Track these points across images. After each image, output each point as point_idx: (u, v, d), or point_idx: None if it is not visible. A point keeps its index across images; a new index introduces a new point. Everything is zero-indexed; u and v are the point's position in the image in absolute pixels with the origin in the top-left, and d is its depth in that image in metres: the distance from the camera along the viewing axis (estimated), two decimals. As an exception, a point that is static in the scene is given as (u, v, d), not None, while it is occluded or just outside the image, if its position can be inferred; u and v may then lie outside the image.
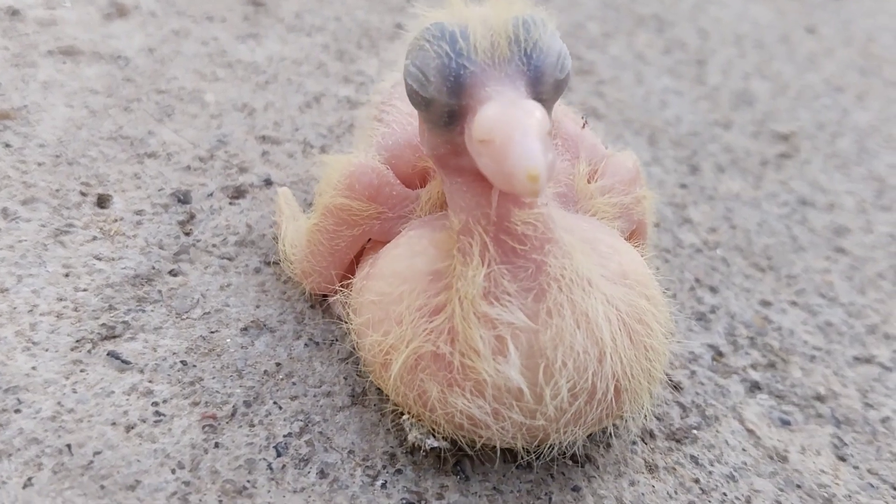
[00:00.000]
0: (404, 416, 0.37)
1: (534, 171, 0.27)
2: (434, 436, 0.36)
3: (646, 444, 0.41)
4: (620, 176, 0.41)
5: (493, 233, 0.31)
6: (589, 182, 0.41)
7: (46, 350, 0.39)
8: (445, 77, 0.30)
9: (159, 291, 0.43)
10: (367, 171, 0.39)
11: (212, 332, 0.42)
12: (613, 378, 0.33)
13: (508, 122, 0.28)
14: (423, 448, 0.36)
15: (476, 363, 0.32)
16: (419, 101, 0.32)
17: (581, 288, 0.32)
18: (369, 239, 0.41)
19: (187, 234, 0.47)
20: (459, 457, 0.37)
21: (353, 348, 0.40)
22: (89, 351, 0.39)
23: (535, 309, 0.31)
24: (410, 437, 0.36)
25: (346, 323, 0.39)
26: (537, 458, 0.36)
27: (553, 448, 0.35)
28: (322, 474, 0.36)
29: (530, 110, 0.28)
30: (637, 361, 0.34)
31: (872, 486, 0.41)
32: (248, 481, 0.35)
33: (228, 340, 0.42)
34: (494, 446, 0.36)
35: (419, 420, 0.36)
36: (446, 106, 0.31)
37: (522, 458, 0.36)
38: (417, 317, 0.33)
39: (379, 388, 0.40)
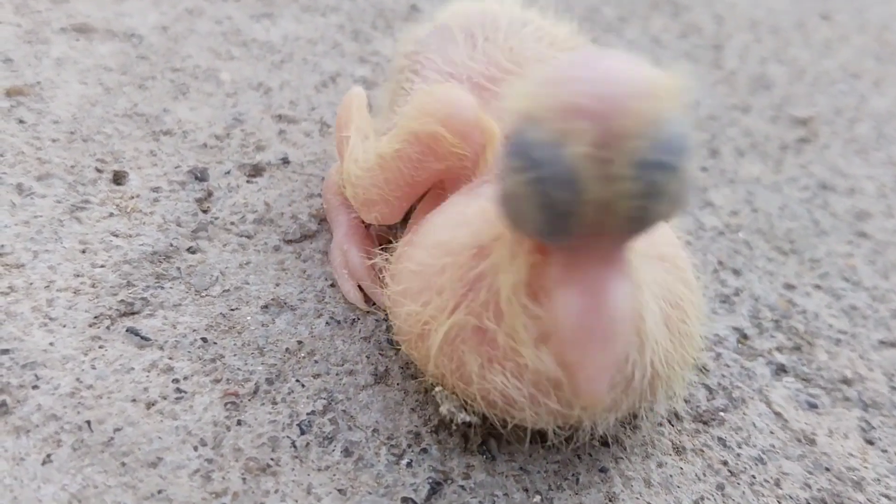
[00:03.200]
0: (437, 388, 0.36)
1: (595, 406, 0.26)
2: (466, 411, 0.35)
3: (673, 426, 0.40)
4: None
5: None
6: None
7: (64, 326, 0.38)
8: (538, 235, 0.27)
9: (178, 268, 0.43)
10: (468, 107, 0.36)
11: (232, 310, 0.41)
12: (651, 367, 0.32)
13: (585, 345, 0.26)
14: (454, 422, 0.35)
15: (519, 346, 0.31)
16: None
17: (635, 284, 0.31)
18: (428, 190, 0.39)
19: (205, 211, 0.47)
20: (485, 436, 0.37)
21: (385, 317, 0.38)
22: (108, 327, 0.39)
23: None
24: (442, 410, 0.35)
25: (381, 285, 0.37)
26: (567, 442, 0.36)
27: (585, 432, 0.35)
28: (347, 453, 0.35)
29: (613, 319, 0.26)
30: (673, 348, 0.33)
31: (901, 470, 0.41)
32: (272, 459, 0.35)
33: (249, 318, 0.41)
34: (525, 427, 0.35)
35: (452, 393, 0.35)
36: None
37: (552, 441, 0.36)
38: (459, 287, 0.32)
39: (402, 367, 0.40)
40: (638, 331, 0.31)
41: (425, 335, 0.34)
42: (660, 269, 0.33)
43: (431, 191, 0.40)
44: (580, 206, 0.25)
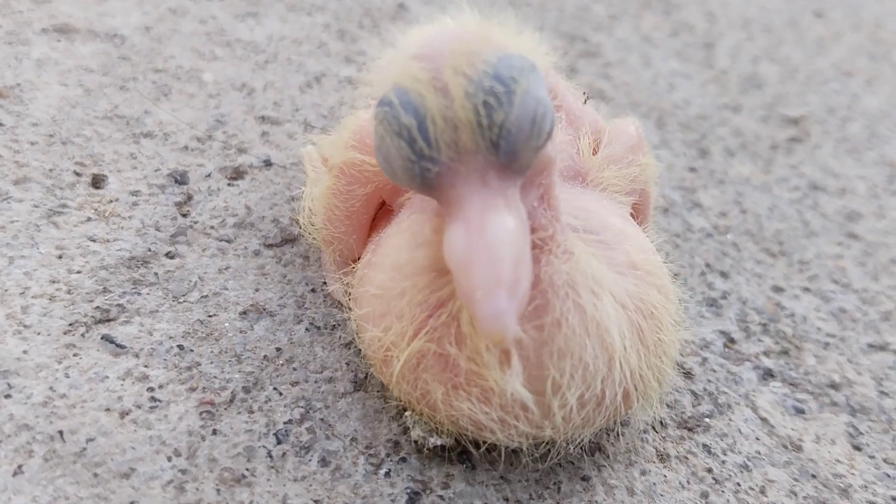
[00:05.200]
0: (407, 413, 0.35)
1: (497, 338, 0.25)
2: (437, 434, 0.35)
3: (657, 432, 0.40)
4: (625, 143, 0.40)
5: None
6: (594, 154, 0.39)
7: (38, 333, 0.38)
8: (412, 177, 0.28)
9: (155, 274, 0.42)
10: None
11: (210, 316, 0.40)
12: (622, 383, 0.32)
13: (469, 267, 0.26)
14: (426, 446, 0.35)
15: (482, 370, 0.30)
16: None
17: (590, 291, 0.30)
18: (381, 208, 0.39)
19: (184, 215, 0.46)
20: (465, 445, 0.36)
21: (355, 339, 0.38)
22: (83, 335, 0.38)
23: (540, 321, 0.30)
24: (413, 435, 0.35)
25: (347, 310, 0.38)
26: (543, 459, 0.35)
27: (560, 449, 0.34)
28: (324, 462, 0.35)
29: (495, 239, 0.26)
30: (647, 360, 0.33)
31: (889, 475, 0.40)
32: (248, 469, 0.34)
33: (227, 324, 0.40)
34: (499, 445, 0.34)
35: (422, 417, 0.34)
36: (421, 193, 0.29)
37: (528, 460, 0.35)
38: (418, 313, 0.32)
39: (382, 375, 0.39)
40: (604, 344, 0.30)
41: (388, 361, 0.33)
42: (630, 279, 0.33)
43: (383, 209, 0.40)
44: (427, 123, 0.27)
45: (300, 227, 0.43)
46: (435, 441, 0.34)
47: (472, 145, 0.27)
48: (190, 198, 0.47)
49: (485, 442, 0.34)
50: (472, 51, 0.27)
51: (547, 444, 0.34)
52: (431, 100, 0.27)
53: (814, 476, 0.39)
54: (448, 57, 0.27)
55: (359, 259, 0.39)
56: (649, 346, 0.33)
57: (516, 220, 0.27)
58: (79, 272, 0.41)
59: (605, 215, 0.35)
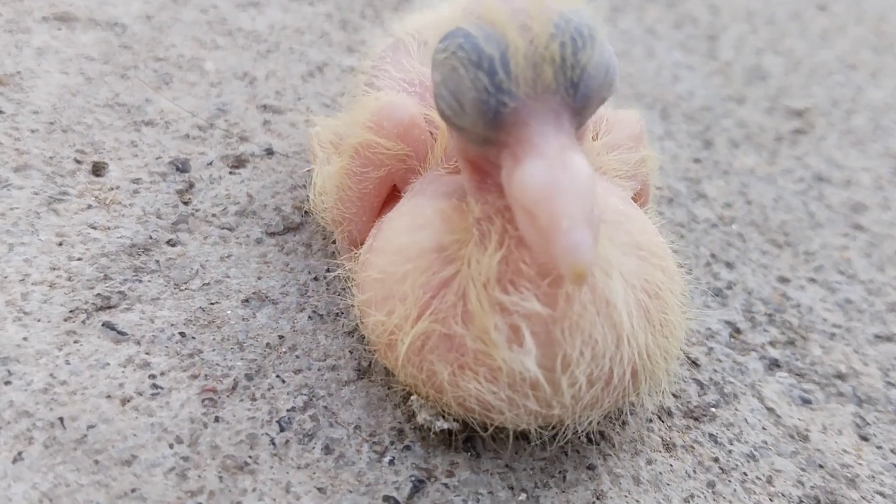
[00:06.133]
0: (412, 397, 0.35)
1: (581, 268, 0.25)
2: (444, 417, 0.34)
3: (663, 422, 0.40)
4: (626, 131, 0.40)
5: (514, 221, 0.29)
6: (594, 140, 0.39)
7: (38, 320, 0.37)
8: (483, 113, 0.27)
9: (157, 261, 0.42)
10: (398, 108, 0.37)
11: (211, 304, 0.40)
12: (630, 361, 0.31)
13: (555, 198, 0.25)
14: (432, 430, 0.35)
15: (490, 349, 0.30)
16: (451, 125, 0.29)
17: (600, 269, 0.30)
18: (391, 193, 0.39)
19: (186, 203, 0.46)
20: (471, 433, 0.36)
21: (358, 325, 0.38)
22: (83, 321, 0.38)
23: (553, 295, 0.29)
24: (419, 419, 0.34)
25: (350, 296, 0.37)
26: (552, 441, 0.35)
27: (567, 431, 0.34)
28: (327, 450, 0.35)
29: (578, 174, 0.26)
30: (654, 340, 0.32)
31: (896, 466, 0.40)
32: (250, 457, 0.34)
33: (229, 312, 0.40)
34: (507, 428, 0.34)
35: (428, 401, 0.34)
36: (482, 136, 0.28)
37: (536, 441, 0.35)
38: (421, 294, 0.31)
39: (386, 363, 0.39)
40: (613, 323, 0.30)
41: (393, 345, 0.33)
42: (635, 259, 0.32)
43: (391, 195, 0.39)
44: (510, 56, 0.27)
45: (310, 208, 0.43)
46: (441, 425, 0.34)
47: (552, 83, 0.27)
48: (191, 186, 0.47)
49: (492, 425, 0.33)
50: (545, 2, 0.28)
51: (554, 426, 0.33)
52: (514, 36, 0.27)
53: (821, 466, 0.39)
54: (525, 3, 0.27)
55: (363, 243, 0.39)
56: (655, 326, 0.32)
57: (586, 158, 0.27)
58: (79, 259, 0.41)
59: (606, 196, 0.35)
